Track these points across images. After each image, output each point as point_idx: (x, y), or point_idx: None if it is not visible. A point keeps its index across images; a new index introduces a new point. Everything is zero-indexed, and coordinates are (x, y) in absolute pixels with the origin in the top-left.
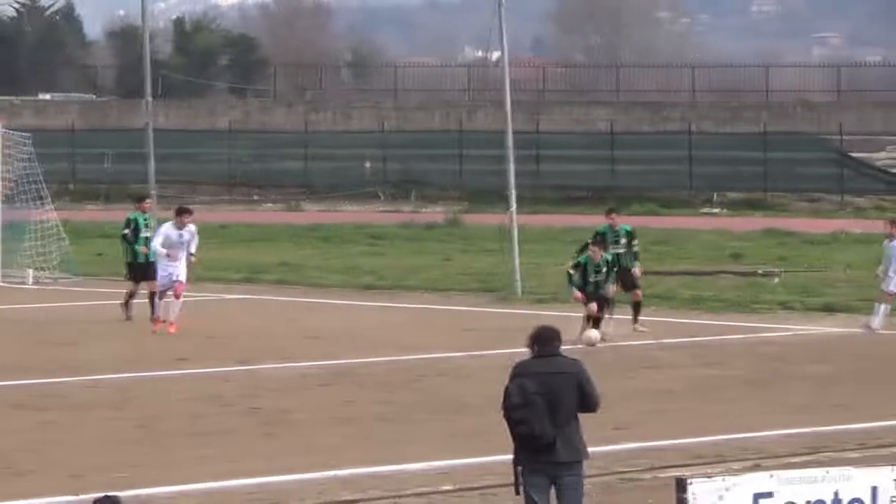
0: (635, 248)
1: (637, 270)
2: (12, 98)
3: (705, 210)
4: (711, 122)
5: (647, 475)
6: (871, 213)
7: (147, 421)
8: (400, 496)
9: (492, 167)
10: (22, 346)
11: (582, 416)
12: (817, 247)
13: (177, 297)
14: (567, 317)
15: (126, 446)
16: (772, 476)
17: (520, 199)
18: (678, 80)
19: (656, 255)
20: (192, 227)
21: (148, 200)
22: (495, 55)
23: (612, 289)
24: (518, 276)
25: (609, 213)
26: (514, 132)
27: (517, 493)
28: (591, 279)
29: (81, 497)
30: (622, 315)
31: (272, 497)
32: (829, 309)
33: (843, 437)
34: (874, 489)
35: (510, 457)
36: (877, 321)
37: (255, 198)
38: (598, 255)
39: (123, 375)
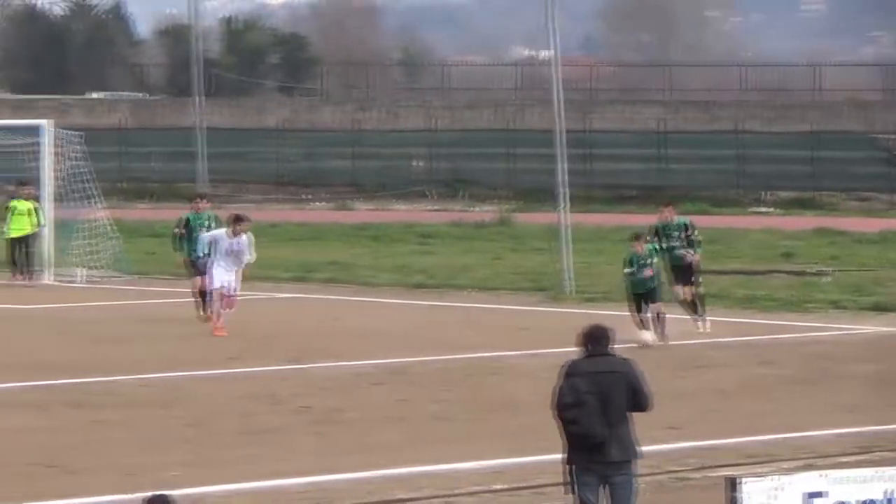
0: (696, 238)
1: (694, 257)
2: (62, 97)
3: (755, 209)
4: (760, 121)
5: (699, 474)
6: None
7: (198, 420)
8: (452, 495)
9: (542, 166)
10: (76, 345)
11: (634, 416)
12: (868, 246)
13: (230, 308)
14: (618, 316)
15: (177, 445)
16: (823, 476)
17: (570, 199)
18: (728, 79)
19: (709, 255)
20: (245, 237)
21: (202, 199)
22: (544, 54)
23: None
24: (569, 275)
25: (665, 205)
26: (565, 131)
27: (570, 492)
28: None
29: (133, 496)
30: (674, 315)
31: (323, 496)
32: (881, 308)
33: (893, 437)
34: None
35: (562, 456)
36: None
37: (305, 196)
38: (640, 247)
39: (175, 374)
